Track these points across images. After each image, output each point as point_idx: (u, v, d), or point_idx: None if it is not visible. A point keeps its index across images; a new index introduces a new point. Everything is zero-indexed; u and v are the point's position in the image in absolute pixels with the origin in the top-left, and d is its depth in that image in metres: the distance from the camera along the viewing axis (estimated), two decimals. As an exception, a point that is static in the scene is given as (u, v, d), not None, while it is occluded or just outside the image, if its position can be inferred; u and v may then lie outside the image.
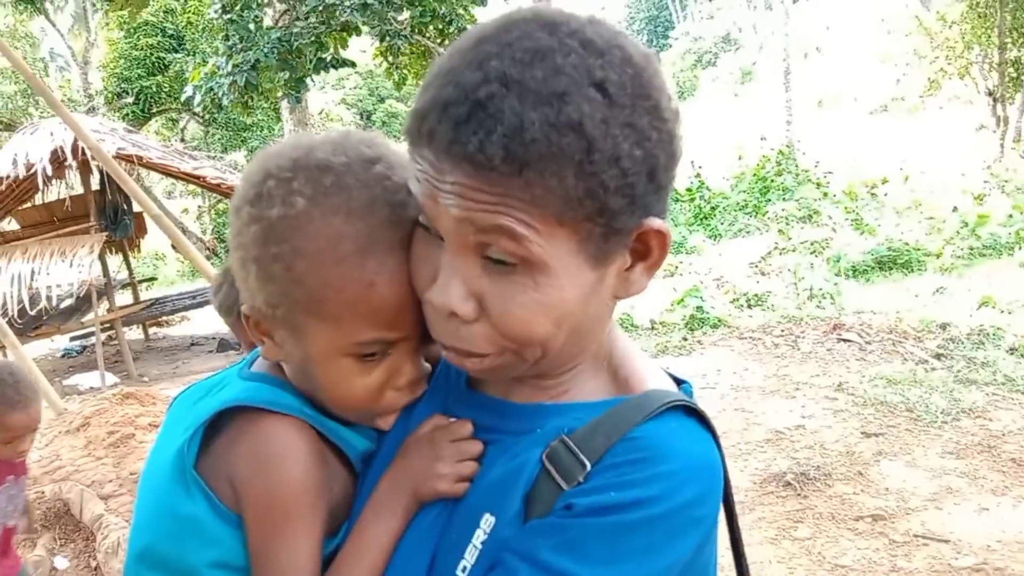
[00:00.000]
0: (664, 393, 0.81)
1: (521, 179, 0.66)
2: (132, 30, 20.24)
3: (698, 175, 14.21)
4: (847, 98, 37.49)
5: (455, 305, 0.72)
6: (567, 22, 0.70)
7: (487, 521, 0.77)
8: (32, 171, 8.33)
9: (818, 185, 12.92)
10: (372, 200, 0.79)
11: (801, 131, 20.18)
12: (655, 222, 0.73)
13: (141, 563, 0.87)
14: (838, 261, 9.00)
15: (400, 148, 0.84)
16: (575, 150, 0.65)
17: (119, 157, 8.80)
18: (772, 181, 13.58)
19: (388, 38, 11.81)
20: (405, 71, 13.26)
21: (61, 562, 4.24)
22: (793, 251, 10.03)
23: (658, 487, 0.72)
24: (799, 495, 4.31)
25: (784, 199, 12.61)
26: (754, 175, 14.37)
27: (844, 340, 6.70)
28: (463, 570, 0.76)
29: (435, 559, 0.80)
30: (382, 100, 33.60)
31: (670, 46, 63.58)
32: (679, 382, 0.88)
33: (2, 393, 2.35)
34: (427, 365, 0.90)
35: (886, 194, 12.49)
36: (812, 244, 10.10)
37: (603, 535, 0.71)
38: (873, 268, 9.16)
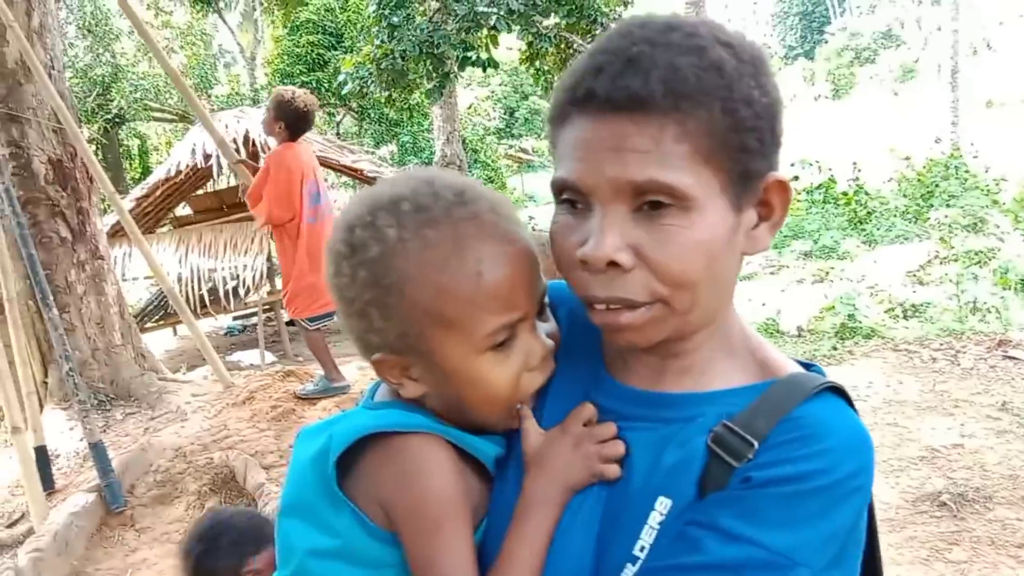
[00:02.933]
0: (811, 376, 0.87)
1: (678, 113, 0.75)
2: (295, 27, 21.32)
3: (857, 178, 13.55)
4: (1019, 98, 34.86)
5: (613, 254, 0.78)
6: (684, 16, 0.84)
7: (663, 504, 0.83)
8: (209, 161, 8.96)
9: (987, 192, 12.09)
10: (448, 206, 0.87)
11: (968, 133, 18.99)
12: (777, 173, 0.83)
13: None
14: (1005, 273, 8.42)
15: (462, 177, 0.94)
16: (719, 87, 0.76)
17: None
18: (937, 186, 12.81)
19: (535, 41, 11.97)
20: (550, 74, 13.41)
21: (226, 525, 4.57)
22: (955, 260, 9.46)
23: (825, 460, 0.78)
24: (955, 516, 4.11)
25: (948, 205, 11.89)
26: (918, 179, 13.59)
27: (1010, 357, 6.29)
28: (641, 550, 0.82)
29: (602, 542, 0.85)
30: (525, 97, 33.95)
31: (826, 42, 61.02)
32: (807, 366, 0.93)
33: None
34: (550, 341, 0.95)
35: (1063, 203, 11.54)
36: (977, 254, 9.49)
37: (780, 503, 0.78)
38: (1045, 282, 8.53)
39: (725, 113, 0.76)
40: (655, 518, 0.82)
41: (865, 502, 0.83)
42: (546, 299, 0.96)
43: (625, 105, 0.75)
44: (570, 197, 0.83)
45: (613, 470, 0.87)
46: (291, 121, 4.97)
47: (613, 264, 0.78)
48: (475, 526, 0.91)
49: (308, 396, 5.33)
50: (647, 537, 0.82)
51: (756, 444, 0.80)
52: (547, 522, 0.88)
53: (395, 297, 0.86)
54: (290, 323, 5.61)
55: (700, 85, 0.75)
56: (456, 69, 11.99)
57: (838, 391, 0.87)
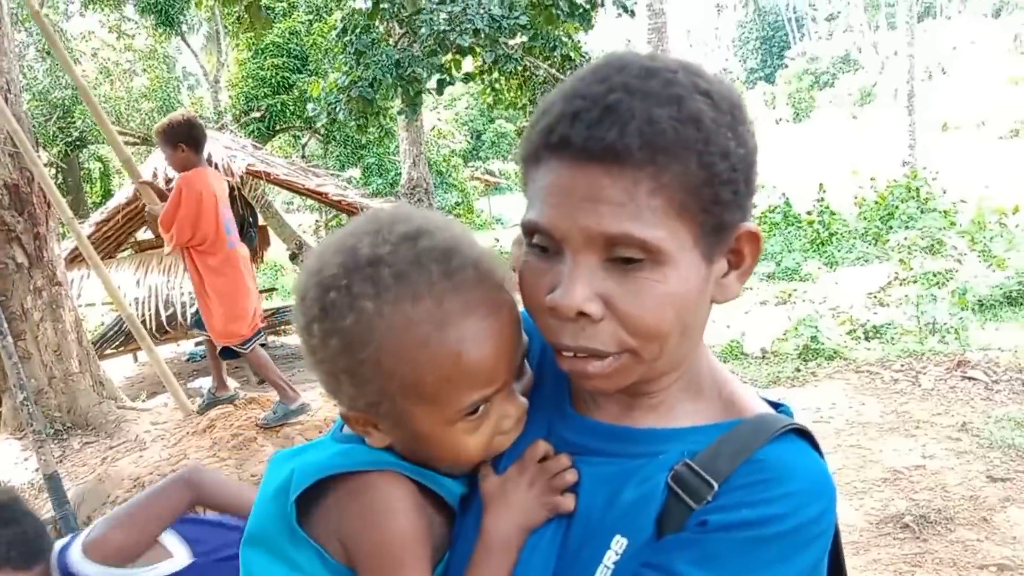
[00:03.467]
0: (777, 417, 0.86)
1: (653, 166, 0.73)
2: (259, 51, 21.21)
3: (822, 199, 13.76)
4: (973, 122, 35.80)
5: (583, 304, 0.76)
6: (660, 55, 0.83)
7: (618, 543, 0.81)
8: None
9: (945, 214, 12.34)
10: (431, 277, 0.82)
11: (925, 155, 19.41)
12: (750, 224, 0.82)
13: None
14: (963, 294, 8.59)
15: (432, 213, 0.91)
16: (696, 140, 0.74)
17: (249, 172, 9.27)
18: (896, 208, 13.05)
19: (500, 61, 12.06)
20: (502, 93, 13.52)
21: (186, 556, 4.47)
22: (915, 282, 9.63)
23: (787, 505, 0.77)
24: (918, 538, 4.15)
25: (908, 227, 12.12)
26: (877, 202, 13.84)
27: (969, 378, 6.41)
28: None
29: None
30: (492, 120, 34.13)
31: (786, 66, 62.28)
32: (775, 405, 0.92)
33: None
34: (525, 400, 0.93)
35: (1017, 225, 11.82)
36: (935, 275, 9.67)
37: (738, 549, 0.76)
38: (1001, 303, 8.70)
39: (701, 167, 0.75)
40: (610, 557, 0.81)
41: (825, 548, 0.82)
42: (526, 353, 0.94)
43: (600, 156, 0.74)
44: (540, 242, 0.81)
45: (567, 503, 0.87)
46: (185, 135, 4.72)
47: (582, 314, 0.77)
48: (436, 563, 0.91)
49: (270, 425, 5.22)
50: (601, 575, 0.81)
51: (716, 486, 0.79)
52: (505, 564, 0.87)
53: (369, 369, 0.83)
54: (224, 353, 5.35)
55: (677, 138, 0.74)
56: (434, 88, 12.04)
57: (802, 433, 0.86)
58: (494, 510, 0.90)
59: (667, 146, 0.73)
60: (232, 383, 6.19)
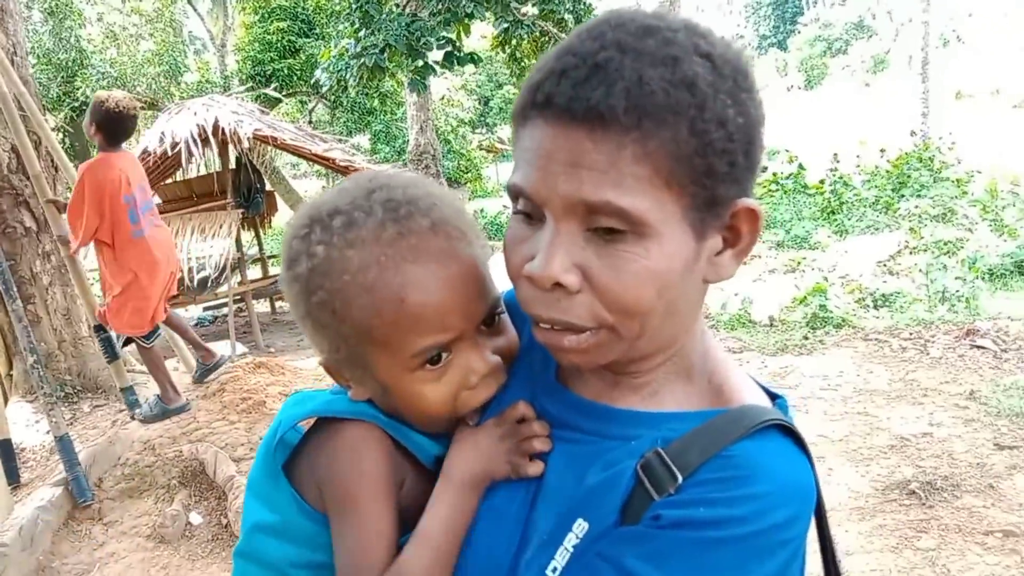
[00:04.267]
0: (761, 410, 0.81)
1: (638, 131, 0.69)
2: (266, 14, 21.05)
3: (835, 169, 13.65)
4: (988, 90, 35.36)
5: (559, 275, 0.73)
6: (668, 13, 0.77)
7: (580, 526, 0.79)
8: (176, 149, 8.83)
9: (958, 183, 12.23)
10: (378, 224, 0.85)
11: (938, 124, 19.20)
12: (749, 201, 0.76)
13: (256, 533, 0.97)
14: (974, 263, 8.54)
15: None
16: (689, 105, 0.69)
17: (256, 137, 9.23)
18: (908, 177, 12.94)
19: (511, 28, 11.89)
20: (524, 61, 13.34)
21: (196, 518, 4.53)
22: (925, 251, 9.57)
23: (748, 507, 0.72)
24: (924, 505, 4.16)
25: (919, 196, 12.02)
26: (890, 170, 13.72)
27: (978, 346, 6.39)
28: (553, 570, 0.78)
29: (520, 552, 0.83)
30: (500, 86, 33.87)
31: (798, 32, 61.49)
32: (773, 397, 0.87)
33: None
34: (496, 357, 0.92)
35: (1030, 194, 11.72)
36: (946, 244, 9.61)
37: (689, 549, 0.72)
38: (1012, 272, 8.65)
39: (692, 134, 0.70)
40: (571, 539, 0.79)
41: (792, 557, 0.75)
42: (501, 311, 0.94)
43: (584, 117, 0.69)
44: (524, 207, 0.78)
45: (533, 468, 0.86)
46: (104, 124, 4.59)
47: (559, 285, 0.74)
48: (412, 523, 0.90)
49: (147, 420, 5.02)
50: (560, 558, 0.78)
51: (680, 478, 0.75)
52: (462, 503, 0.87)
53: (325, 314, 0.87)
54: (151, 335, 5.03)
55: (667, 102, 0.69)
56: (441, 63, 11.87)
57: (789, 431, 0.80)
58: (460, 447, 0.90)
59: (656, 110, 0.68)
60: (218, 347, 6.22)
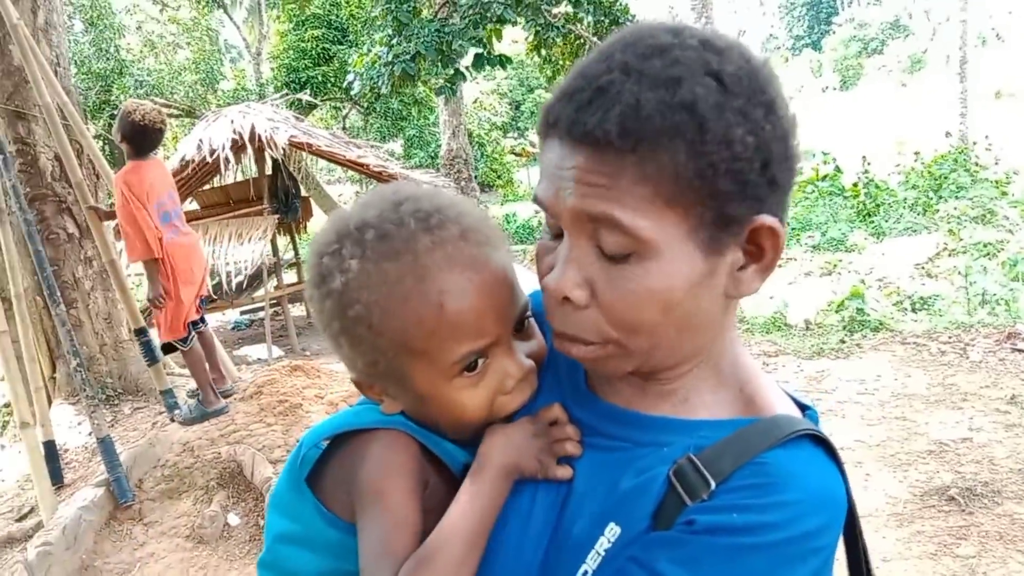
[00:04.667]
0: (793, 420, 0.81)
1: (635, 155, 0.70)
2: (300, 22, 21.30)
3: (866, 171, 13.49)
4: (1029, 89, 34.66)
5: (568, 290, 0.77)
6: (691, 28, 0.77)
7: (612, 530, 0.79)
8: (215, 156, 8.96)
9: (997, 184, 12.02)
10: (410, 235, 0.85)
11: (977, 124, 18.87)
12: (767, 219, 0.75)
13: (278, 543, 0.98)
14: (1015, 265, 8.38)
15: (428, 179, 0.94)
16: (687, 129, 0.70)
17: (292, 144, 9.34)
18: (946, 178, 12.74)
19: (542, 31, 11.91)
20: (558, 64, 13.34)
21: (233, 519, 4.58)
22: (964, 253, 9.42)
23: (780, 514, 0.73)
24: (963, 511, 4.10)
25: (957, 197, 11.83)
26: (926, 171, 13.52)
27: (1019, 350, 6.27)
28: (584, 574, 0.79)
29: (549, 555, 0.84)
30: (531, 90, 33.92)
31: (833, 32, 60.85)
32: (803, 407, 0.88)
33: None
34: (530, 361, 0.93)
35: (1072, 194, 11.48)
36: (985, 246, 9.45)
37: (722, 555, 0.72)
38: (1054, 274, 8.48)
39: (692, 156, 0.70)
40: (602, 543, 0.79)
41: (823, 566, 0.76)
42: (529, 315, 0.95)
43: (585, 140, 0.73)
44: (550, 221, 0.81)
45: (562, 472, 0.86)
46: (130, 136, 4.66)
47: (568, 299, 0.78)
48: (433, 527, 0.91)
49: (187, 422, 5.08)
50: (591, 562, 0.79)
51: (714, 484, 0.76)
52: (492, 490, 0.88)
53: (362, 328, 0.87)
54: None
55: (663, 126, 0.70)
56: (470, 67, 11.93)
57: (821, 440, 0.81)
58: (493, 438, 0.91)
59: (652, 134, 0.70)
60: (255, 350, 6.21)
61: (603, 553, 0.79)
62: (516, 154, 31.43)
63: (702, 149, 0.70)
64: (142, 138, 4.70)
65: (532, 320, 0.97)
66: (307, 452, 0.95)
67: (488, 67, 12.11)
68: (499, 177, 27.79)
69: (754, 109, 0.72)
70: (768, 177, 0.74)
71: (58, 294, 4.73)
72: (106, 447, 4.44)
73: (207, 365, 5.16)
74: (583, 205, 0.74)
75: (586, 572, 0.79)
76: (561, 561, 0.82)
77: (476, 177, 21.24)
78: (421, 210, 0.88)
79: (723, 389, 0.86)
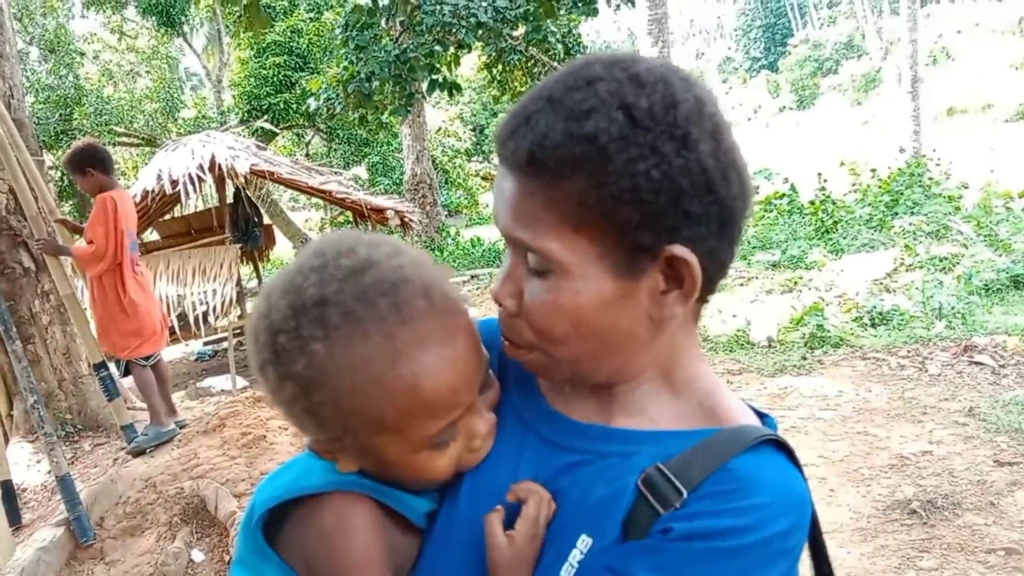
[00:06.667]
0: (755, 428, 0.84)
1: (542, 182, 0.76)
2: (261, 50, 21.23)
3: (823, 188, 13.77)
4: (978, 106, 35.61)
5: (502, 299, 0.85)
6: (631, 61, 0.79)
7: (584, 542, 0.81)
8: (176, 186, 8.87)
9: (950, 199, 12.29)
10: (379, 312, 0.80)
11: (930, 140, 19.30)
12: (678, 248, 0.77)
13: None
14: (969, 279, 8.56)
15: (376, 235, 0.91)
16: (588, 159, 0.74)
17: (254, 172, 9.29)
18: (901, 194, 13.01)
19: (503, 54, 12.06)
20: (507, 84, 13.53)
21: (198, 555, 4.50)
22: (920, 268, 9.61)
23: (752, 517, 0.75)
24: (925, 524, 4.16)
25: (912, 213, 12.08)
26: (881, 188, 13.81)
27: (976, 363, 6.40)
28: None
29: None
30: (495, 115, 34.09)
31: (788, 53, 62.01)
32: (761, 416, 0.91)
33: None
34: (492, 415, 0.92)
35: (1023, 208, 11.77)
36: (941, 261, 9.65)
37: (698, 559, 0.74)
38: (1008, 287, 8.67)
39: (593, 186, 0.74)
40: (575, 556, 0.80)
41: (792, 565, 0.79)
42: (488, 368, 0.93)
43: (509, 166, 0.80)
44: None
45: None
46: (91, 158, 4.84)
47: (503, 306, 0.85)
48: None
49: (141, 446, 5.09)
50: (566, 575, 0.80)
51: (685, 493, 0.77)
52: None
53: (328, 410, 0.82)
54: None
55: (566, 156, 0.74)
56: (424, 90, 12.03)
57: (781, 446, 0.84)
58: (502, 558, 0.84)
59: (556, 163, 0.75)
60: (219, 381, 6.22)
61: (576, 565, 0.80)
62: (483, 178, 31.52)
63: (603, 180, 0.74)
64: (105, 156, 4.93)
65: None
66: (259, 515, 0.90)
67: (439, 91, 12.20)
68: (464, 201, 27.84)
69: (663, 144, 0.74)
70: (681, 210, 0.75)
71: (14, 330, 4.65)
72: (66, 485, 4.36)
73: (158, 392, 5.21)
74: (507, 228, 0.81)
75: None
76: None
77: (441, 202, 21.25)
78: (385, 281, 0.82)
79: (681, 403, 0.88)
